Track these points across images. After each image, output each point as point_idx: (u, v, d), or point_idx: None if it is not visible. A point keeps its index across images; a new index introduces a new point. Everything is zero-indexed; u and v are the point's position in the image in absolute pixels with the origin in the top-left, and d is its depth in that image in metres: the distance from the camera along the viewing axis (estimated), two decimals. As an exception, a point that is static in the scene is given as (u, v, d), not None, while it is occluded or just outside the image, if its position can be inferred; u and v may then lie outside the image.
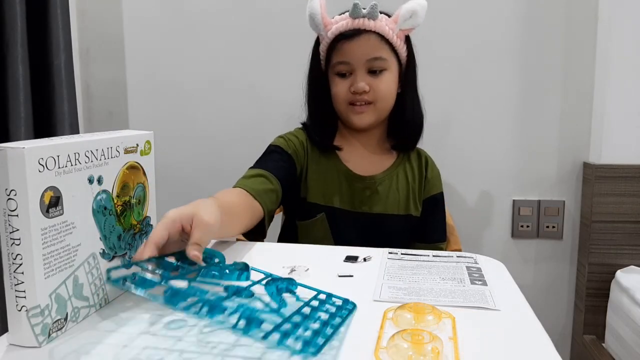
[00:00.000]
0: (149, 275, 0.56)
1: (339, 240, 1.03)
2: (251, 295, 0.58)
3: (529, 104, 1.50)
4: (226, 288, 0.59)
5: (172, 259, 0.61)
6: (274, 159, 1.01)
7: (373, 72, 0.99)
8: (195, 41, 1.58)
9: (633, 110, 1.42)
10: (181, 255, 0.62)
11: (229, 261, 0.66)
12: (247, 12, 1.55)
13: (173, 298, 0.54)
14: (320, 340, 0.50)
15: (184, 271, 0.59)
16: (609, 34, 1.40)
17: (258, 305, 0.57)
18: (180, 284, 0.56)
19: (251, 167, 0.99)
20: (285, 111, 1.46)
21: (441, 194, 1.11)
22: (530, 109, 1.50)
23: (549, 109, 1.50)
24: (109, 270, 0.59)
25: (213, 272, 0.61)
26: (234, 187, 0.92)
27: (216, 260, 0.64)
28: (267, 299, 0.58)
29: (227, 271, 0.61)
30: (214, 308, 0.52)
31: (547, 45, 1.47)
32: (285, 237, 1.12)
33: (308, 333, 0.50)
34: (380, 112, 1.03)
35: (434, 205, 1.10)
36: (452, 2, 1.48)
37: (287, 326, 0.50)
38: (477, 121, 1.52)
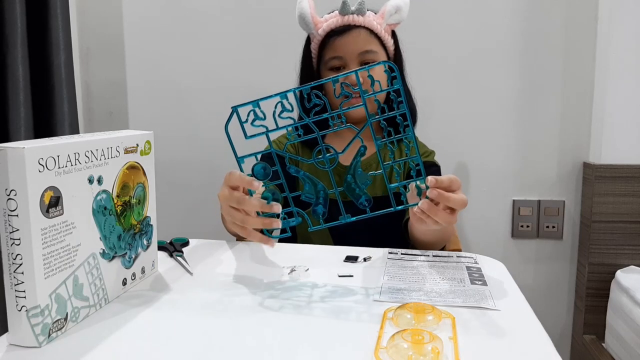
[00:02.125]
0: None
1: (333, 228, 1.04)
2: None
3: (529, 104, 1.50)
4: None
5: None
6: None
7: (365, 64, 1.03)
8: (195, 41, 1.58)
9: (633, 110, 1.42)
10: None
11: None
12: (247, 12, 1.55)
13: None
14: None
15: None
16: (609, 34, 1.40)
17: None
18: None
19: None
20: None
21: (430, 163, 1.10)
22: (531, 109, 1.50)
23: (549, 109, 1.50)
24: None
25: None
26: None
27: None
28: None
29: None
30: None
31: (547, 45, 1.47)
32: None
33: None
34: (374, 104, 1.05)
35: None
36: (452, 2, 1.48)
37: None
38: (477, 121, 1.52)
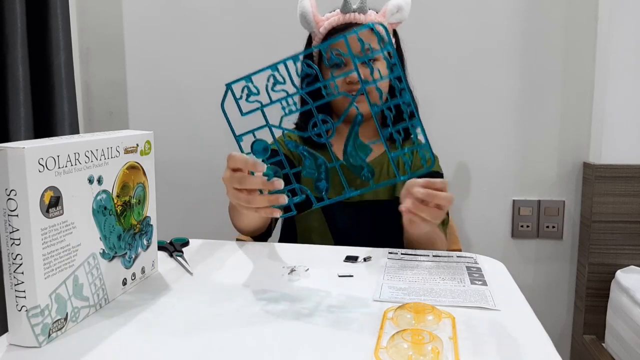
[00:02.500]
0: None
1: (333, 228, 1.05)
2: None
3: (529, 104, 1.50)
4: None
5: None
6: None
7: (365, 62, 1.03)
8: (195, 41, 1.58)
9: (633, 110, 1.42)
10: None
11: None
12: (247, 12, 1.55)
13: None
14: None
15: None
16: (609, 34, 1.40)
17: None
18: None
19: None
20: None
21: (436, 174, 1.10)
22: (531, 109, 1.50)
23: (549, 109, 1.50)
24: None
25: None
26: None
27: None
28: None
29: None
30: None
31: (547, 45, 1.47)
32: (285, 231, 1.13)
33: None
34: (375, 102, 1.05)
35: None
36: (452, 2, 1.48)
37: None
38: (477, 121, 1.52)
